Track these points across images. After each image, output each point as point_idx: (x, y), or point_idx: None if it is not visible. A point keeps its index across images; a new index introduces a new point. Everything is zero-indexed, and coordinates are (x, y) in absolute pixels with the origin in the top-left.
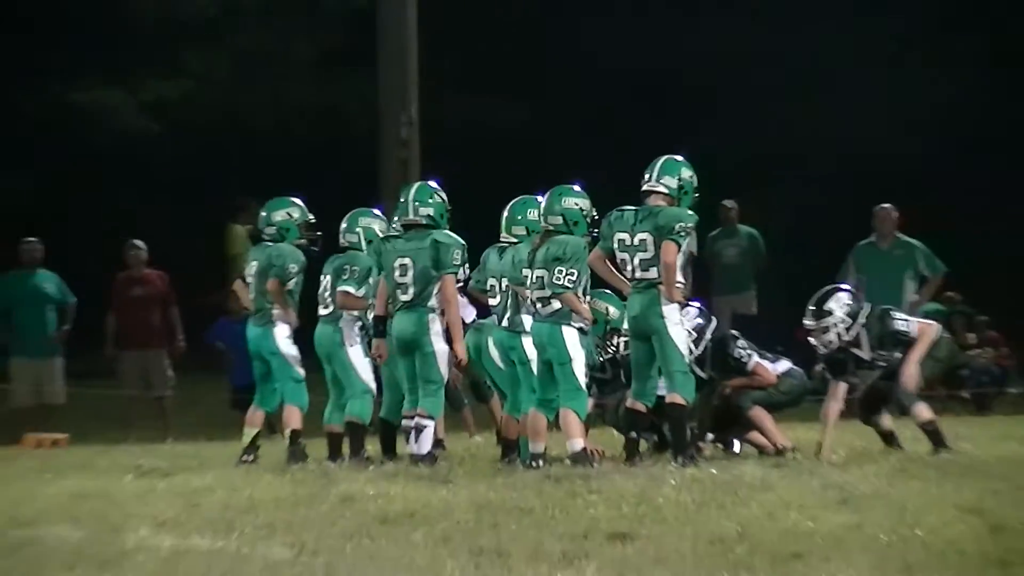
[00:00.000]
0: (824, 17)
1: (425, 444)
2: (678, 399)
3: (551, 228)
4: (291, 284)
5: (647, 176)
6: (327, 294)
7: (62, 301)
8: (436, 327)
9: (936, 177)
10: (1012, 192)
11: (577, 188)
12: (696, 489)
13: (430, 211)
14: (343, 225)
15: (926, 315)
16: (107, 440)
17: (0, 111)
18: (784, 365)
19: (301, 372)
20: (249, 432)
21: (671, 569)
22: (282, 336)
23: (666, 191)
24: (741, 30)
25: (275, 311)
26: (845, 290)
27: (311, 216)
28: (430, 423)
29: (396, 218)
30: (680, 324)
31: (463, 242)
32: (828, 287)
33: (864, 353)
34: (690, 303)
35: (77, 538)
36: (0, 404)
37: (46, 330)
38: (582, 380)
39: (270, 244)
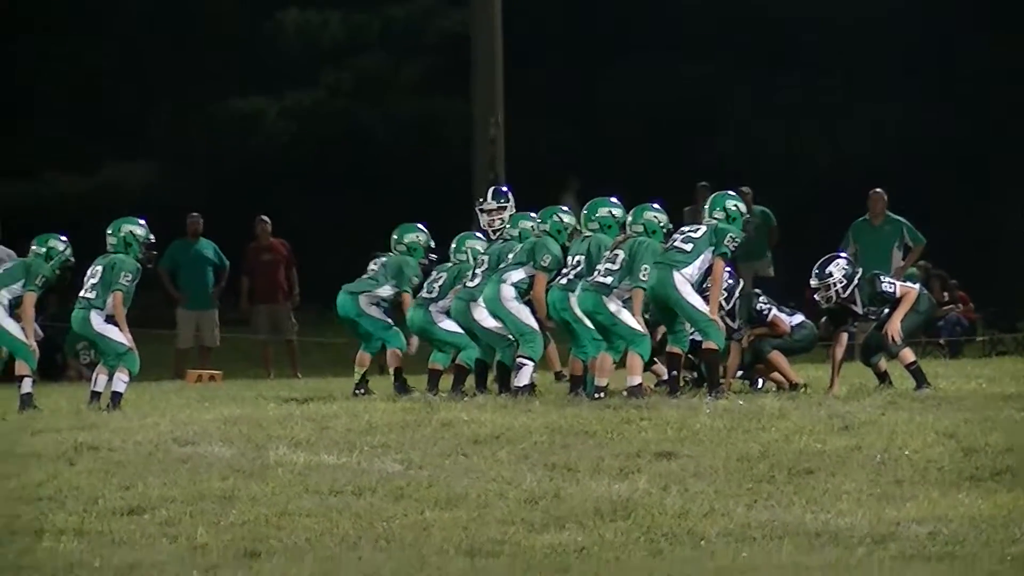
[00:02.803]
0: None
1: (523, 379)
2: (711, 345)
3: (633, 233)
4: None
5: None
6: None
7: (219, 264)
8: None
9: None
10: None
11: (656, 205)
12: (726, 417)
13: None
14: (452, 246)
15: (907, 279)
16: (252, 376)
17: (174, 116)
18: (798, 318)
19: (389, 321)
20: (359, 371)
21: (707, 481)
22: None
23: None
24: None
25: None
26: (843, 257)
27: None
28: (529, 363)
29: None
30: (692, 289)
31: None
32: (829, 255)
33: (858, 308)
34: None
35: (229, 454)
36: (168, 346)
37: (206, 287)
38: (638, 327)
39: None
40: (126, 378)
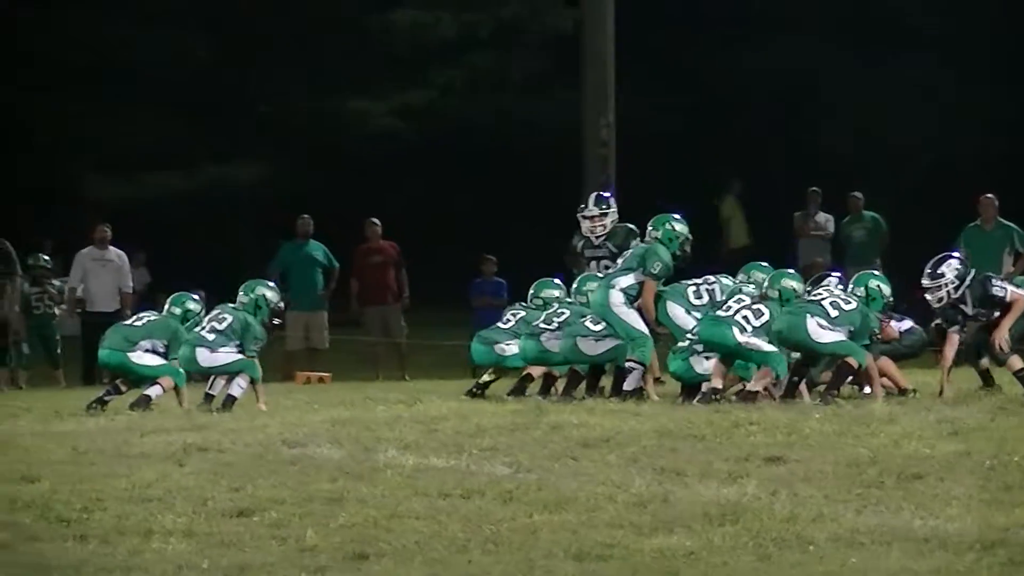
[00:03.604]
0: None
1: (632, 383)
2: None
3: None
4: None
5: None
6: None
7: (328, 266)
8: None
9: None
10: None
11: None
12: (835, 421)
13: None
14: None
15: (1017, 284)
16: (360, 378)
17: (285, 115)
18: (907, 324)
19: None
20: (488, 375)
21: (816, 485)
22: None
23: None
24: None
25: None
26: (956, 257)
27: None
28: (639, 368)
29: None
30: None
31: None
32: (942, 255)
33: (968, 309)
34: (831, 273)
35: (338, 456)
36: (277, 348)
37: (315, 289)
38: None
39: None
40: (245, 384)
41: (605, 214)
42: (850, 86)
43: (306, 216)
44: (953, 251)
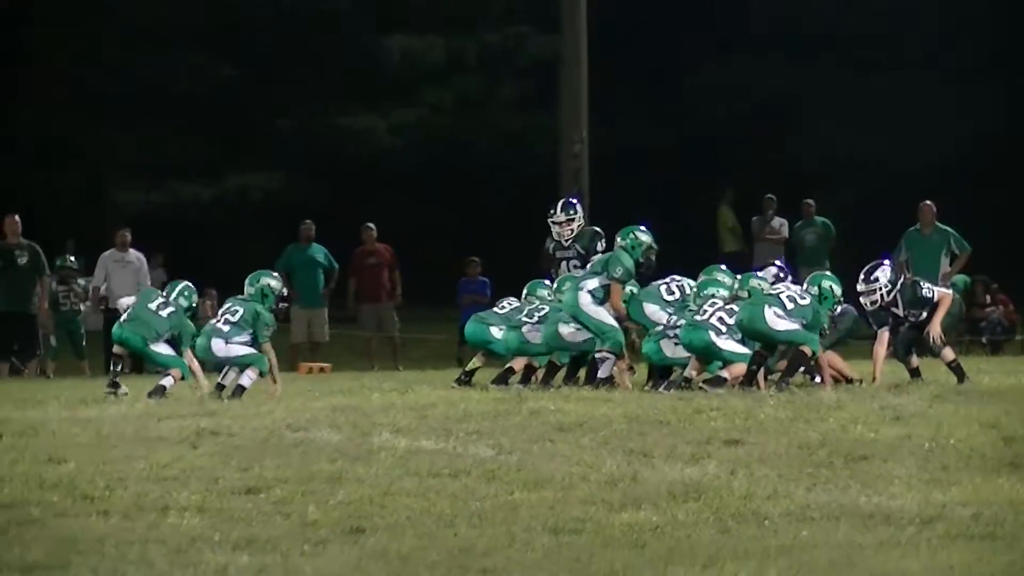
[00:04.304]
0: None
1: (604, 372)
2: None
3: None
4: None
5: None
6: None
7: (329, 267)
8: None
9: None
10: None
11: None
12: (789, 408)
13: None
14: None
15: (952, 285)
16: (357, 368)
17: (293, 131)
18: (839, 308)
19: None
20: (474, 362)
21: (770, 466)
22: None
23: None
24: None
25: None
26: (887, 264)
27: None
28: (611, 357)
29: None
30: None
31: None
32: (875, 261)
33: (899, 311)
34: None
35: (337, 440)
36: (282, 341)
37: (317, 288)
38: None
39: None
40: (254, 376)
41: (572, 219)
42: (817, 104)
43: (308, 221)
44: (885, 257)
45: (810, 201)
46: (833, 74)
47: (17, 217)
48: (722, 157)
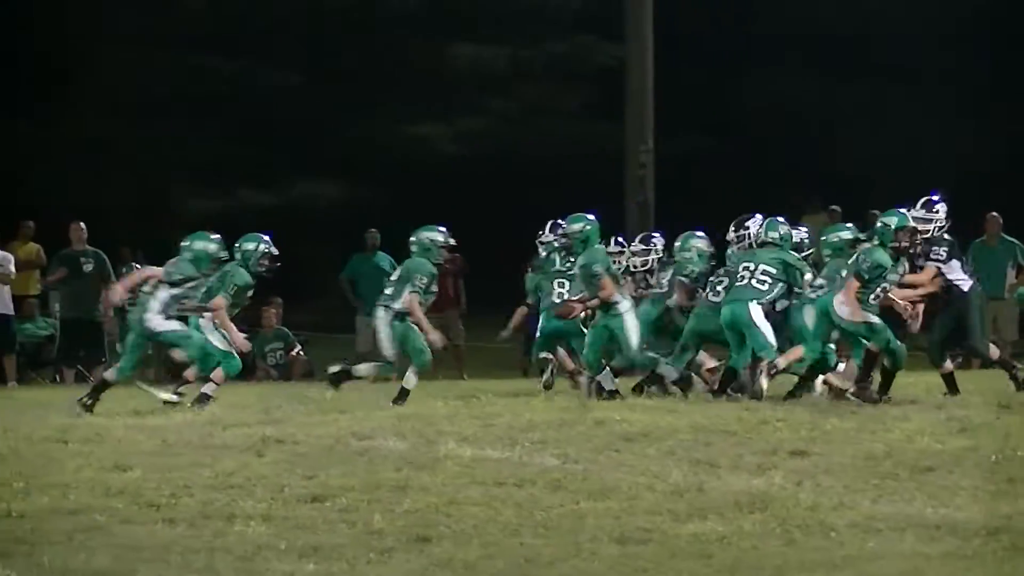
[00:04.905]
0: None
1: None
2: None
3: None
4: None
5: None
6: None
7: None
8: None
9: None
10: None
11: (701, 233)
12: (854, 419)
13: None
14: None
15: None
16: (423, 377)
17: (361, 139)
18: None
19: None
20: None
21: (836, 477)
22: None
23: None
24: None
25: None
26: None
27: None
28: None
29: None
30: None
31: None
32: (928, 197)
33: (940, 258)
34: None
35: (402, 448)
36: (349, 349)
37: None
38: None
39: None
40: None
41: (648, 250)
42: (858, 117)
43: (373, 230)
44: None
45: (876, 211)
46: (897, 88)
47: (83, 224)
48: (790, 165)
